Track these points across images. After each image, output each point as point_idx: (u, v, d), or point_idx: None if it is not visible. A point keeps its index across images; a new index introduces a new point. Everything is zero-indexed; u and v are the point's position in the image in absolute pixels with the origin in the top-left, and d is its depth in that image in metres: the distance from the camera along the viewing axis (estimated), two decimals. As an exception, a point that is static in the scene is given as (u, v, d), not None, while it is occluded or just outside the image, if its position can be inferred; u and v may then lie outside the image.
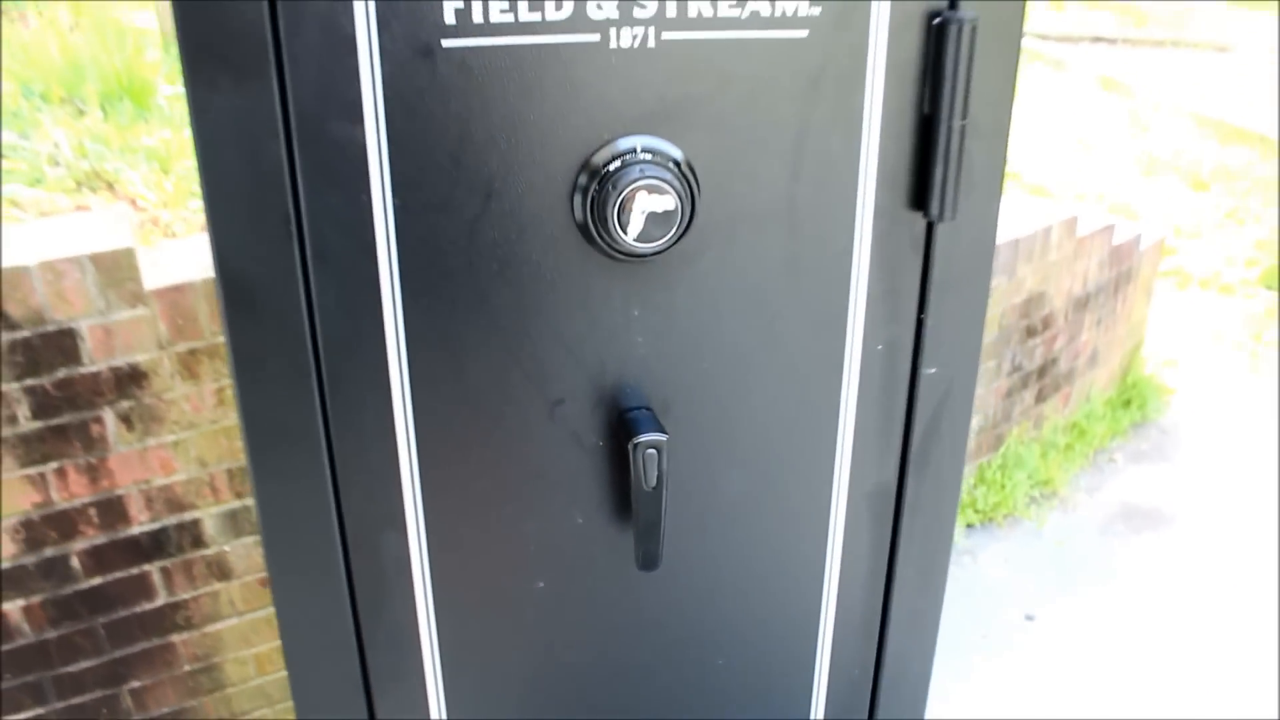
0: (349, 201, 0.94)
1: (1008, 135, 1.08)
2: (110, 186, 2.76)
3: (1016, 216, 3.23)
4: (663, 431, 1.06)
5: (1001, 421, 3.38)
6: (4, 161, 2.69)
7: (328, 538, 1.06)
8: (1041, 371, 3.44)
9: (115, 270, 1.82)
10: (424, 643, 1.14)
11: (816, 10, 0.97)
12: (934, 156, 1.03)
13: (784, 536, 1.21)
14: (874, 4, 0.98)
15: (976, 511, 3.30)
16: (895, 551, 1.26)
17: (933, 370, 1.16)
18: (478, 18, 0.90)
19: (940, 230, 1.09)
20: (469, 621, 1.14)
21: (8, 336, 1.77)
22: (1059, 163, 6.17)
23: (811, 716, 1.35)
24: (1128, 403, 3.92)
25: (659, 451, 1.05)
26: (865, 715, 1.37)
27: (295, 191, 0.92)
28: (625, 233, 0.96)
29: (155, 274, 1.91)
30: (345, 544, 1.07)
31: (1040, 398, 3.51)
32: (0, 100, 2.87)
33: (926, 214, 1.06)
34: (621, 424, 1.08)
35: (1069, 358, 3.56)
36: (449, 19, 0.90)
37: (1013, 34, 1.03)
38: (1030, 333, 3.29)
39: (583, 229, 0.99)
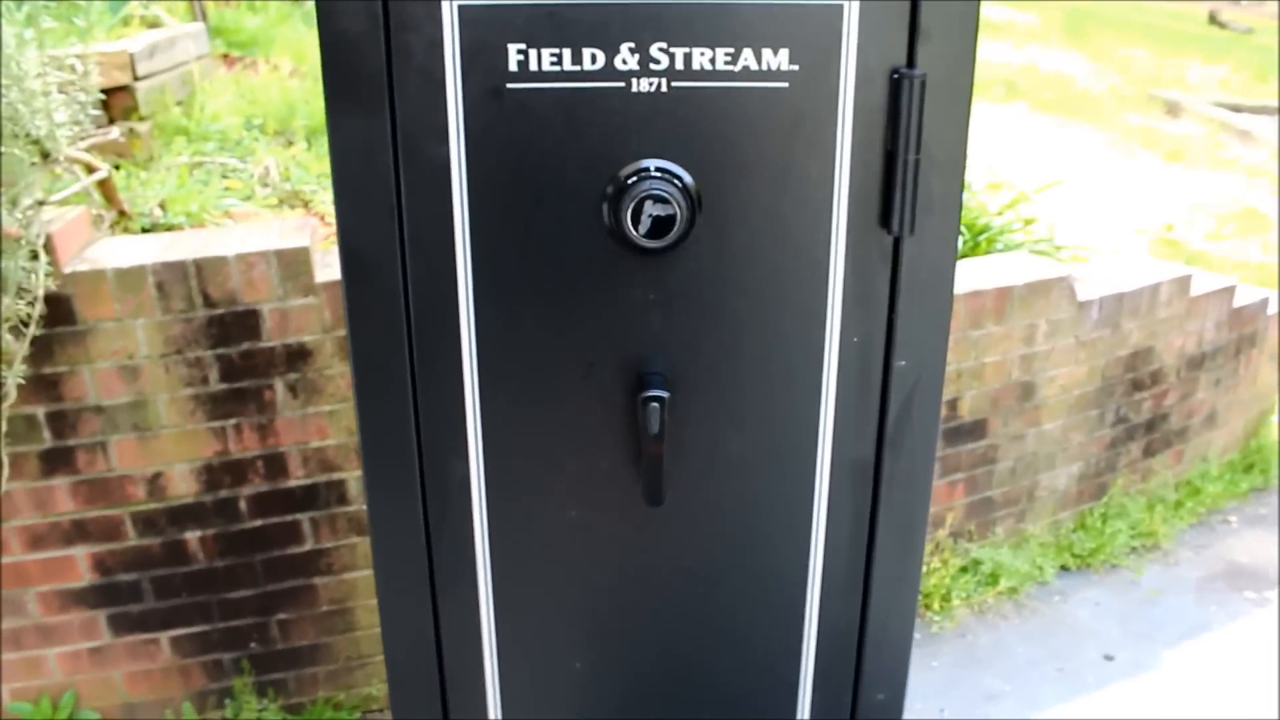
0: (436, 201, 1.28)
1: (963, 168, 1.33)
2: (306, 204, 3.26)
3: (1126, 272, 3.34)
4: (666, 390, 1.35)
5: (1105, 471, 3.47)
6: (224, 181, 3.21)
7: (409, 459, 1.39)
8: (1150, 426, 3.51)
9: (294, 265, 2.24)
10: (478, 553, 1.45)
11: (795, 66, 1.25)
12: (894, 184, 1.29)
13: (775, 496, 1.47)
14: (842, 62, 1.25)
15: (1074, 556, 3.39)
16: (875, 520, 1.49)
17: (903, 363, 1.41)
18: (533, 67, 1.23)
19: (905, 245, 1.34)
20: (514, 539, 1.45)
21: (206, 313, 2.21)
22: (1226, 233, 6.10)
23: (802, 668, 1.58)
24: (1250, 467, 3.91)
25: (661, 405, 1.34)
26: (851, 674, 1.60)
27: (399, 192, 1.27)
28: (636, 231, 1.26)
29: (326, 271, 2.32)
30: (422, 464, 1.40)
31: (1148, 452, 3.57)
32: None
33: (891, 230, 1.32)
34: (637, 384, 1.37)
35: (1181, 415, 3.61)
36: (513, 68, 1.23)
37: (963, 85, 1.29)
38: (1136, 386, 3.38)
39: (609, 229, 1.29)
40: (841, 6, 1.24)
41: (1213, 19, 16.84)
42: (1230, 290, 3.57)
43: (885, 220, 1.32)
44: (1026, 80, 9.63)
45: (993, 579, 3.18)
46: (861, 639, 1.57)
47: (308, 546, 2.48)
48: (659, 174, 1.26)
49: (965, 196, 3.75)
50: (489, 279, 1.32)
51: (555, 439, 1.41)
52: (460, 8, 1.20)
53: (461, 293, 1.32)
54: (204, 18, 4.44)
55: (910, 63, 1.27)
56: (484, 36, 1.22)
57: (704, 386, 1.39)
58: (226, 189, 3.11)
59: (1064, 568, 3.38)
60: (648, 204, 1.25)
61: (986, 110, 8.03)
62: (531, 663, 1.53)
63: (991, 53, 10.45)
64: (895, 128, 1.28)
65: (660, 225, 1.26)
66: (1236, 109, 9.70)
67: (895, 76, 1.26)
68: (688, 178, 1.28)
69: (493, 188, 1.28)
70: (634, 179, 1.26)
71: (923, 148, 1.28)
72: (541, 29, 1.22)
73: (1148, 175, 7.40)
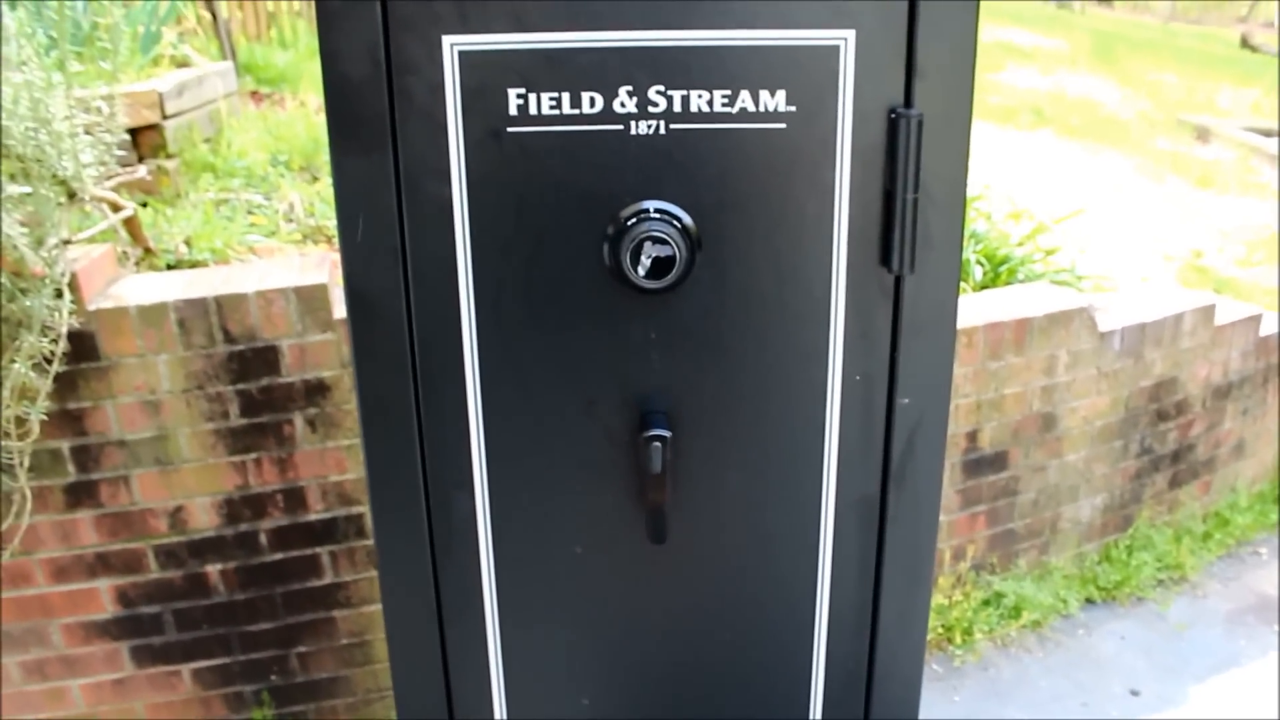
0: (439, 240, 1.30)
1: (963, 206, 1.34)
2: (329, 240, 3.30)
3: (1149, 301, 3.32)
4: (668, 429, 1.36)
5: (1130, 502, 3.43)
6: (249, 217, 3.27)
7: (415, 492, 1.41)
8: (1175, 456, 3.47)
9: (312, 301, 2.27)
10: (484, 587, 1.46)
11: (793, 107, 1.27)
12: (893, 222, 1.30)
13: (780, 534, 1.47)
14: (840, 102, 1.27)
15: (1099, 588, 3.35)
16: (881, 556, 1.49)
17: (906, 400, 1.41)
18: (533, 110, 1.25)
19: (906, 283, 1.35)
20: (520, 574, 1.46)
21: (226, 348, 2.24)
22: (1257, 259, 6.03)
23: (811, 708, 1.58)
24: (1280, 497, 3.86)
25: (663, 444, 1.35)
26: (861, 711, 1.59)
27: (402, 231, 1.29)
28: (636, 272, 1.27)
29: (344, 307, 2.35)
30: (428, 498, 1.41)
31: (1175, 483, 3.53)
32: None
33: (891, 269, 1.33)
34: (640, 422, 1.38)
35: (1208, 446, 3.57)
36: (513, 111, 1.25)
37: (961, 123, 1.30)
38: (1161, 417, 3.35)
39: (609, 268, 1.31)
40: (838, 46, 1.25)
41: (1245, 42, 16.73)
42: (1257, 318, 3.53)
43: (885, 259, 1.33)
44: (1053, 106, 9.60)
45: (1015, 612, 3.15)
46: (870, 676, 1.56)
47: (327, 579, 2.50)
48: (658, 215, 1.28)
49: (985, 228, 3.74)
50: (491, 317, 1.34)
51: (559, 475, 1.42)
52: (460, 52, 1.22)
53: (465, 330, 1.34)
54: (233, 55, 4.53)
55: (908, 102, 1.28)
56: (484, 80, 1.24)
57: (706, 424, 1.40)
58: (251, 225, 3.16)
59: (1089, 600, 3.34)
60: (647, 245, 1.26)
61: (1012, 138, 8.00)
62: (539, 698, 1.53)
63: (1018, 78, 10.44)
64: (893, 166, 1.29)
65: (660, 266, 1.27)
66: (1268, 134, 9.61)
67: (893, 116, 1.28)
68: (687, 218, 1.29)
69: (494, 227, 1.30)
70: (633, 220, 1.28)
71: (921, 186, 1.29)
72: (540, 72, 1.24)
73: (1177, 201, 7.34)
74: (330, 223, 3.35)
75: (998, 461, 3.07)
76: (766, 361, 1.38)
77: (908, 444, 1.44)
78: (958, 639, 3.09)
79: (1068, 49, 12.87)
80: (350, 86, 1.24)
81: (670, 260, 1.27)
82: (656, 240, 1.26)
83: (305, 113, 4.23)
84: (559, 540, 1.45)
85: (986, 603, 3.16)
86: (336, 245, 3.31)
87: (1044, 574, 3.29)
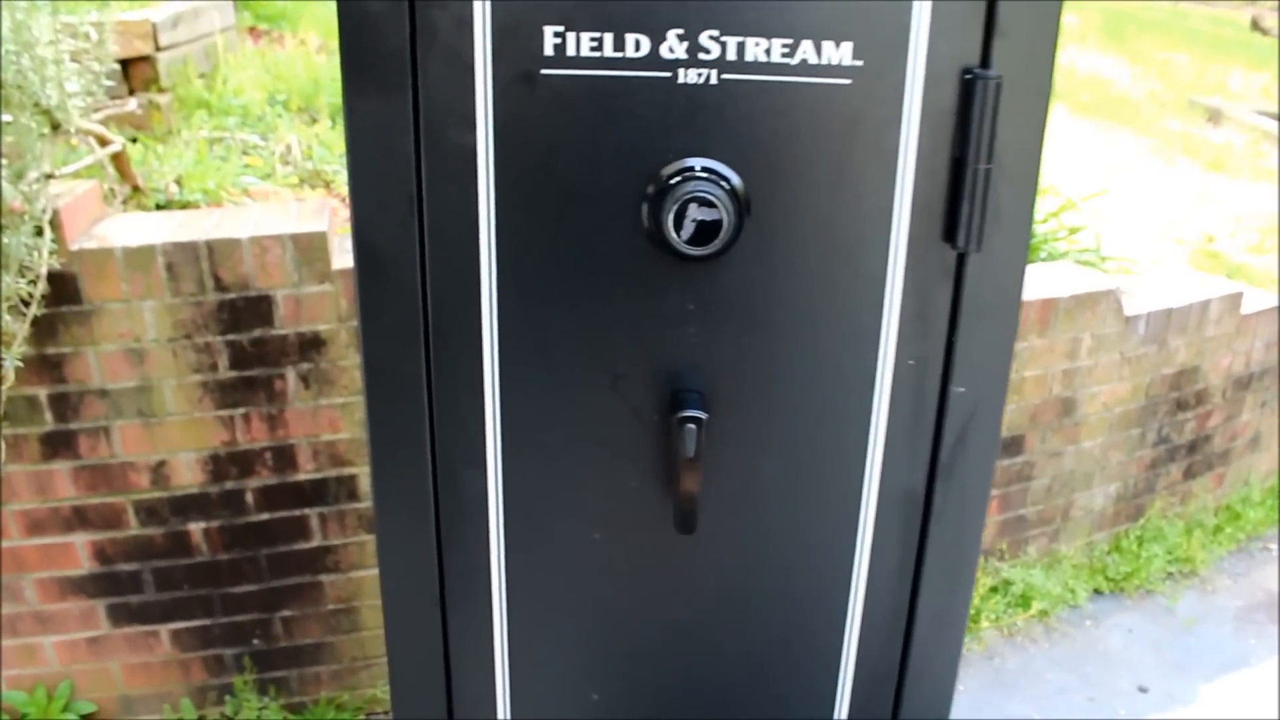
0: (460, 193, 1.17)
1: (1036, 179, 1.21)
2: (327, 185, 3.16)
3: (1174, 287, 3.21)
4: (704, 411, 1.24)
5: (1143, 492, 3.34)
6: (244, 158, 3.12)
7: (422, 468, 1.29)
8: (1192, 447, 3.38)
9: (310, 250, 2.14)
10: (493, 573, 1.35)
11: (859, 62, 1.14)
12: (961, 195, 1.18)
13: (816, 527, 1.36)
14: (910, 60, 1.14)
15: (1107, 579, 3.27)
16: (923, 554, 1.38)
17: (961, 389, 1.29)
18: (571, 52, 1.12)
19: (970, 261, 1.23)
20: (532, 558, 1.35)
21: (217, 297, 2.11)
22: (1268, 246, 5.92)
23: (836, 710, 1.48)
24: (1293, 493, 3.77)
25: (698, 427, 1.23)
26: (889, 711, 1.49)
27: (419, 182, 1.16)
28: (678, 236, 1.15)
29: (344, 258, 2.22)
30: (435, 475, 1.29)
31: (1189, 474, 3.44)
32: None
33: (955, 245, 1.21)
34: (672, 402, 1.26)
35: (1225, 437, 3.47)
36: (548, 52, 1.12)
37: (1041, 89, 1.17)
38: (1180, 406, 3.25)
39: (648, 232, 1.18)
40: (913, -3, 1.12)
41: (1255, 25, 16.53)
42: (1282, 309, 3.43)
43: (950, 234, 1.21)
44: (1064, 82, 9.43)
45: (1024, 601, 3.06)
46: (901, 679, 1.46)
47: (315, 542, 2.39)
48: (705, 174, 1.15)
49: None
50: (514, 280, 1.21)
51: (580, 455, 1.30)
52: (494, -17, 1.09)
53: (484, 294, 1.22)
54: (232, -11, 4.35)
55: (985, 63, 1.15)
56: (517, 16, 1.11)
57: (744, 406, 1.28)
58: (246, 166, 3.02)
59: (1097, 591, 3.26)
60: (692, 207, 1.14)
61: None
62: (546, 692, 1.43)
63: (1030, 53, 10.23)
64: (965, 133, 1.16)
65: (705, 231, 1.14)
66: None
67: (968, 77, 1.15)
68: (736, 179, 1.16)
69: (522, 181, 1.17)
70: (677, 179, 1.15)
71: (995, 156, 1.17)
72: (581, 10, 1.11)
73: (1188, 184, 7.22)
74: (329, 167, 3.21)
75: (1013, 446, 2.97)
76: (813, 341, 1.26)
77: (959, 436, 1.32)
78: (963, 626, 3.00)
79: (1078, 25, 12.67)
80: (367, 18, 1.10)
81: (716, 225, 1.14)
82: (702, 202, 1.14)
83: (305, 52, 4.06)
84: (576, 525, 1.34)
85: (994, 590, 3.07)
86: (334, 191, 3.18)
87: (1053, 563, 3.20)
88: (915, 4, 1.12)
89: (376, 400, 1.27)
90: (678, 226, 1.15)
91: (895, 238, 1.21)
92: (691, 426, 1.23)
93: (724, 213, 1.14)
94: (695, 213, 1.14)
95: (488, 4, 1.10)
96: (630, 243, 1.19)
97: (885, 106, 1.16)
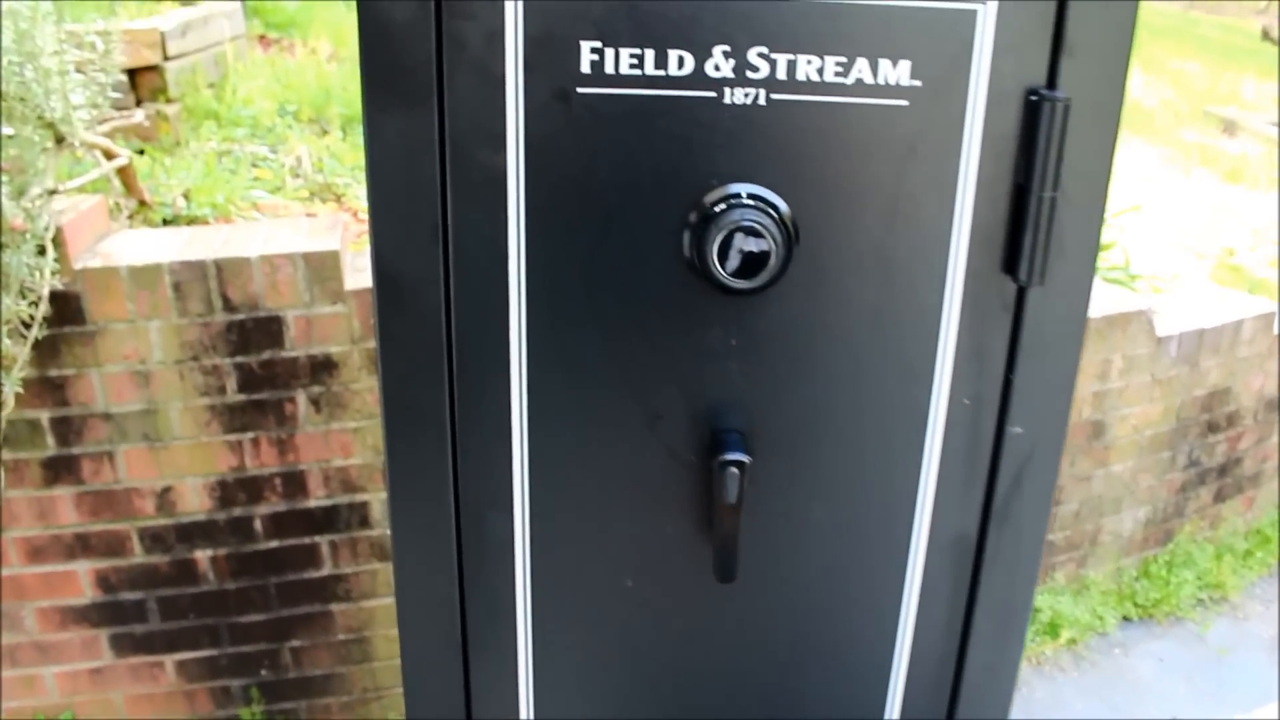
0: (488, 219, 1.09)
1: (1103, 209, 1.13)
2: (338, 199, 3.09)
3: (1206, 306, 3.13)
4: (747, 454, 1.16)
5: (1173, 516, 3.26)
6: (253, 170, 3.05)
7: (444, 509, 1.21)
8: (1222, 470, 3.29)
9: (322, 269, 2.07)
10: (518, 617, 1.27)
11: (917, 82, 1.06)
12: (1024, 224, 1.10)
13: (861, 574, 1.28)
14: (972, 79, 1.06)
15: (1136, 605, 3.18)
16: (974, 603, 1.30)
17: (1018, 430, 1.21)
18: (609, 69, 1.04)
19: (1031, 295, 1.15)
20: (560, 606, 1.27)
21: (225, 317, 2.04)
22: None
23: (882, 758, 1.39)
24: (1326, 517, 3.68)
25: (741, 471, 1.15)
26: (937, 765, 1.41)
27: (444, 206, 1.08)
28: (723, 268, 1.07)
29: (356, 277, 2.15)
30: (458, 517, 1.21)
31: (1219, 497, 3.35)
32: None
33: (1016, 278, 1.13)
34: (712, 443, 1.18)
35: (1255, 459, 3.39)
36: (585, 69, 1.04)
37: (1111, 113, 1.09)
38: (1211, 428, 3.17)
39: (689, 262, 1.10)
40: (975, 11, 1.05)
41: (1265, 35, 16.44)
42: (1316, 329, 3.34)
43: (1010, 265, 1.13)
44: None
45: (1052, 629, 2.98)
46: (946, 733, 1.38)
47: (325, 571, 2.31)
48: (752, 201, 1.07)
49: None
50: (545, 312, 1.13)
51: (613, 498, 1.22)
52: (527, -6, 1.01)
53: (512, 326, 1.14)
54: (241, -3, 4.28)
55: (1052, 83, 1.07)
56: (552, 29, 1.03)
57: (788, 447, 1.20)
58: (255, 179, 2.95)
59: (1126, 618, 3.17)
60: (738, 237, 1.06)
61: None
62: (571, 745, 1.35)
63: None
64: (1030, 159, 1.08)
65: (751, 262, 1.06)
66: (1298, 130, 9.38)
67: (1033, 98, 1.07)
68: (785, 207, 1.09)
69: (554, 207, 1.09)
70: (722, 206, 1.07)
71: (1060, 183, 1.09)
72: (621, 24, 1.03)
73: (1207, 195, 7.13)
74: (340, 180, 3.14)
75: (1042, 469, 2.88)
76: (863, 378, 1.18)
77: (1015, 479, 1.24)
78: (989, 655, 2.91)
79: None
80: (390, 29, 1.03)
81: (764, 256, 1.06)
82: (749, 232, 1.06)
83: (316, 60, 3.99)
84: (607, 572, 1.25)
85: (1021, 618, 2.98)
86: (345, 205, 3.10)
87: (1081, 589, 3.11)
88: (979, 20, 1.05)
89: (397, 437, 1.19)
90: (722, 257, 1.07)
91: (952, 269, 1.13)
92: (734, 471, 1.15)
93: (772, 243, 1.06)
94: (741, 243, 1.06)
95: (520, 15, 1.02)
96: (670, 274, 1.12)
97: (944, 129, 1.08)
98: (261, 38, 4.23)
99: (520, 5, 1.02)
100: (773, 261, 1.07)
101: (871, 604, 1.29)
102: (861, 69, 1.05)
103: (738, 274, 1.07)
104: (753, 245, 1.06)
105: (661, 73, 1.04)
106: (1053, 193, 1.09)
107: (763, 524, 1.22)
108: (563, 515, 1.23)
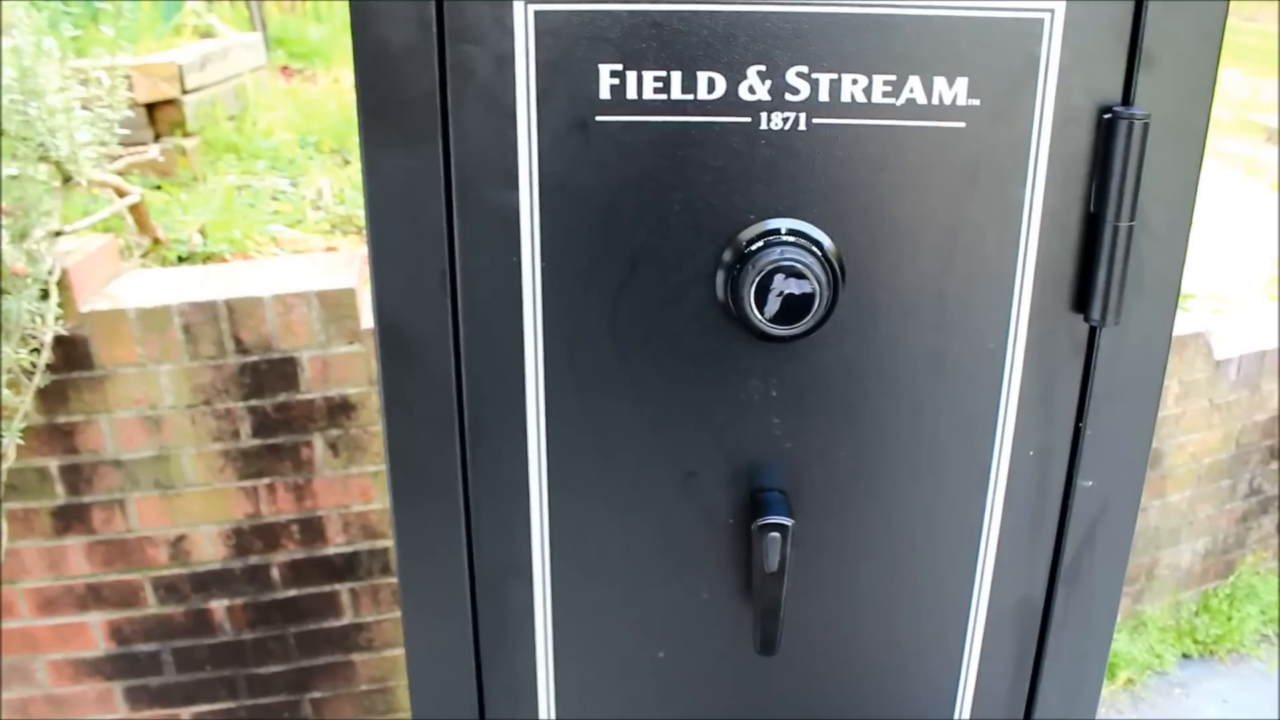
0: (501, 262, 0.99)
1: (1186, 239, 1.02)
2: (360, 231, 3.01)
3: (1267, 326, 2.98)
4: (790, 516, 1.04)
5: (1234, 547, 3.10)
6: (273, 203, 2.98)
7: (458, 578, 1.11)
8: (1286, 498, 3.14)
9: (338, 308, 1.98)
10: (540, 692, 1.16)
11: (976, 101, 0.95)
12: (1098, 257, 0.98)
13: (915, 644, 1.16)
14: (1038, 96, 0.95)
15: (1196, 642, 3.02)
16: (1038, 672, 1.18)
17: (1090, 483, 1.09)
18: (631, 94, 0.94)
19: (1104, 335, 1.03)
20: (586, 680, 1.16)
21: (238, 359, 1.95)
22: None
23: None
24: (1395, 545, 3.50)
25: (783, 536, 1.04)
26: None
27: (452, 249, 0.99)
28: (761, 313, 0.96)
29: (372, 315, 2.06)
30: (474, 587, 1.11)
31: (1283, 527, 3.19)
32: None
33: (1088, 317, 1.01)
34: (751, 504, 1.07)
35: (1321, 486, 3.22)
36: (604, 95, 0.94)
37: (1195, 132, 0.98)
38: (1274, 454, 3.01)
39: (724, 306, 1.00)
40: (1041, 20, 0.94)
41: (1304, 42, 16.14)
42: (1382, 348, 3.18)
43: (1082, 304, 1.01)
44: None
45: (1109, 669, 2.82)
46: (1013, 814, 1.25)
47: (346, 620, 2.22)
48: (792, 238, 0.97)
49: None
50: (565, 364, 1.03)
51: (643, 564, 1.11)
52: (537, 13, 0.91)
53: (529, 379, 1.04)
54: (263, 26, 4.24)
55: (1128, 99, 0.96)
56: (568, 52, 0.93)
57: (836, 508, 1.09)
58: (275, 213, 2.88)
59: (1185, 655, 3.02)
60: (777, 278, 0.95)
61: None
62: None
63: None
64: (1104, 184, 0.97)
65: (793, 306, 0.96)
66: (1343, 139, 9.15)
67: (1107, 117, 0.95)
68: (829, 243, 0.98)
69: (573, 248, 0.99)
70: (760, 244, 0.96)
71: (1138, 211, 0.97)
72: (644, 44, 0.93)
73: (1256, 206, 6.93)
74: (361, 211, 3.07)
75: (1096, 502, 2.74)
76: (918, 430, 1.06)
77: (1086, 536, 1.12)
78: (1044, 698, 2.77)
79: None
80: (389, 57, 0.93)
81: (808, 299, 0.96)
82: (790, 272, 0.95)
83: (339, 89, 3.94)
84: (637, 643, 1.14)
85: (1077, 658, 2.83)
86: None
87: (1138, 626, 2.96)
88: (1044, 29, 0.94)
89: (404, 503, 1.09)
90: (760, 301, 0.96)
91: (1016, 309, 1.02)
92: (775, 535, 1.04)
93: (815, 284, 0.95)
94: (781, 284, 0.95)
95: (532, 39, 0.92)
96: (703, 319, 1.01)
97: (1007, 153, 0.97)
98: (284, 68, 4.19)
99: (531, 28, 0.92)
100: (817, 304, 0.96)
101: (927, 677, 1.17)
102: (913, 88, 0.94)
103: (778, 319, 0.96)
104: (794, 287, 0.95)
105: (689, 97, 0.94)
106: (1130, 222, 0.97)
107: (808, 591, 1.11)
108: (588, 583, 1.12)
